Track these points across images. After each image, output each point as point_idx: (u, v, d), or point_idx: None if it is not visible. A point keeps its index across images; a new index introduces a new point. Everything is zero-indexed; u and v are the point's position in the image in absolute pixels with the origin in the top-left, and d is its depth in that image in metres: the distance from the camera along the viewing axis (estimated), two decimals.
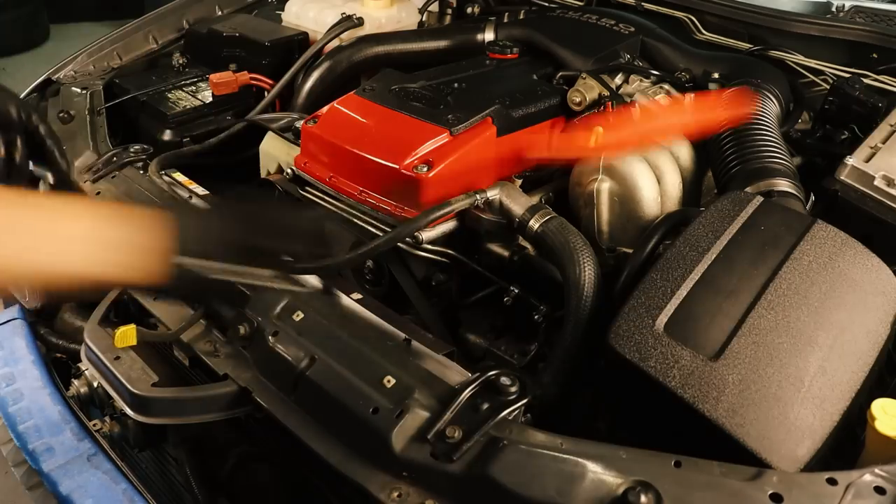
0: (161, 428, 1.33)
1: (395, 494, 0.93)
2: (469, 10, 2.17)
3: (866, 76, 1.55)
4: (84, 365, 1.30)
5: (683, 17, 1.83)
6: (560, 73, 1.65)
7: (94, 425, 1.35)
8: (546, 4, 2.09)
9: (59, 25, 5.71)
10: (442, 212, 1.25)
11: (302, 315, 1.14)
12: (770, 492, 0.79)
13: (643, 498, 0.80)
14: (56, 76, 1.95)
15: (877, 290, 1.03)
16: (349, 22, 1.97)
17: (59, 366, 1.51)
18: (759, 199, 1.14)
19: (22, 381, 1.39)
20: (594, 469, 0.85)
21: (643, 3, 1.92)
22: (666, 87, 1.62)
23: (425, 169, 1.30)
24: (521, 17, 2.04)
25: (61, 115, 1.79)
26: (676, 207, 1.38)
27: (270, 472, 1.30)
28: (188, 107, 1.83)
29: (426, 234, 1.28)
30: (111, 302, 1.31)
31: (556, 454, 0.88)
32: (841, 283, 1.02)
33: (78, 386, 1.37)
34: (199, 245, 0.93)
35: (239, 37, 2.00)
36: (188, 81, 1.95)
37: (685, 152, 1.44)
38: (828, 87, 1.54)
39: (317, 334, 1.11)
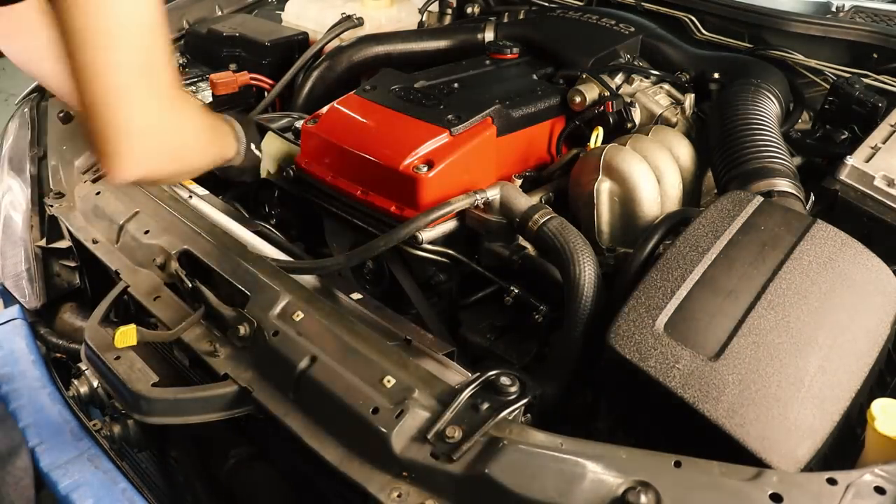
0: (161, 428, 1.33)
1: (395, 494, 0.93)
2: (469, 10, 2.16)
3: (866, 76, 1.54)
4: (84, 365, 1.30)
5: (683, 17, 1.83)
6: (560, 73, 1.64)
7: (94, 425, 1.36)
8: (546, 4, 2.09)
9: None
10: (442, 212, 1.25)
11: (302, 315, 1.15)
12: (770, 492, 0.79)
13: (643, 498, 0.80)
14: None
15: (877, 290, 1.03)
16: (349, 22, 1.97)
17: (59, 366, 1.51)
18: (759, 199, 1.14)
19: (22, 381, 1.39)
20: (594, 469, 0.85)
21: (643, 3, 1.91)
22: (666, 87, 1.63)
23: (425, 169, 1.30)
24: (521, 17, 2.03)
25: (61, 115, 1.79)
26: (676, 207, 1.38)
27: (270, 472, 1.30)
28: None
29: (426, 234, 1.28)
30: (111, 302, 1.31)
31: (556, 454, 0.88)
32: (841, 283, 1.02)
33: (78, 386, 1.37)
34: None
35: (239, 37, 2.00)
36: (188, 81, 1.95)
37: (685, 152, 1.44)
38: (828, 87, 1.54)
39: (317, 334, 1.11)
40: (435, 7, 2.18)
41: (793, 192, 1.23)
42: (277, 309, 1.16)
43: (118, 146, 0.88)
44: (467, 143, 1.35)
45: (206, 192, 1.54)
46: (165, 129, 0.95)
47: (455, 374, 1.05)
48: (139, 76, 0.87)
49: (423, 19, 2.16)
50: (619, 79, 1.62)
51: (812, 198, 1.29)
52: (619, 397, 1.09)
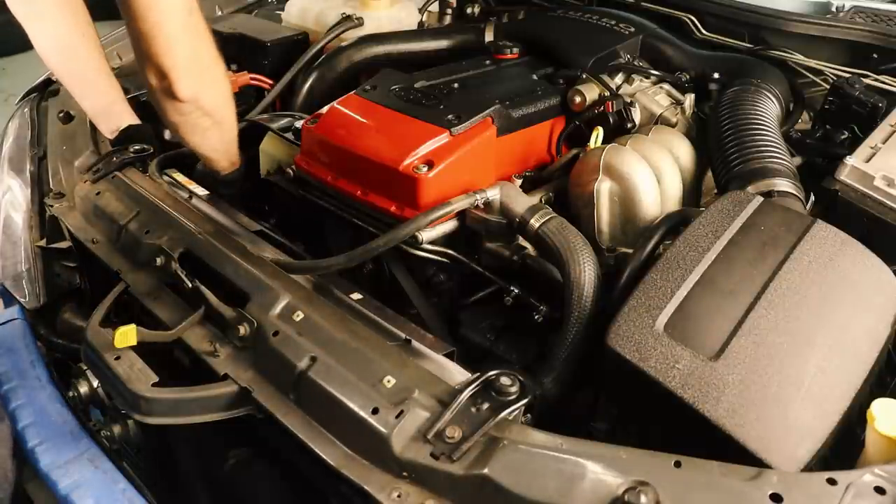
0: (161, 428, 1.33)
1: (395, 494, 0.93)
2: (469, 10, 2.16)
3: (866, 76, 1.54)
4: (84, 365, 1.30)
5: (683, 17, 1.83)
6: (560, 73, 1.64)
7: (94, 425, 1.36)
8: (546, 4, 2.09)
9: None
10: (442, 212, 1.25)
11: (302, 315, 1.14)
12: (770, 492, 0.79)
13: (643, 498, 0.80)
14: None
15: (877, 290, 1.03)
16: (349, 22, 1.97)
17: (59, 366, 1.51)
18: (759, 199, 1.14)
19: (22, 381, 1.39)
20: (594, 469, 0.85)
21: (643, 3, 1.91)
22: (666, 87, 1.62)
23: (425, 169, 1.30)
24: (521, 17, 2.03)
25: (61, 115, 1.79)
26: (676, 207, 1.38)
27: (270, 472, 1.30)
28: None
29: (426, 234, 1.28)
30: (111, 302, 1.31)
31: (556, 454, 0.88)
32: (841, 283, 1.02)
33: (78, 386, 1.37)
34: None
35: (239, 37, 2.00)
36: None
37: (685, 152, 1.44)
38: (828, 87, 1.54)
39: (317, 334, 1.11)
40: (435, 7, 2.18)
41: (793, 192, 1.23)
42: (277, 309, 1.16)
43: (175, 73, 1.22)
44: (467, 143, 1.35)
45: (207, 192, 1.54)
46: (208, 66, 1.28)
47: (455, 374, 1.05)
48: (185, 27, 1.21)
49: (423, 19, 2.16)
50: (619, 79, 1.62)
51: (812, 198, 1.29)
52: (619, 397, 1.09)
